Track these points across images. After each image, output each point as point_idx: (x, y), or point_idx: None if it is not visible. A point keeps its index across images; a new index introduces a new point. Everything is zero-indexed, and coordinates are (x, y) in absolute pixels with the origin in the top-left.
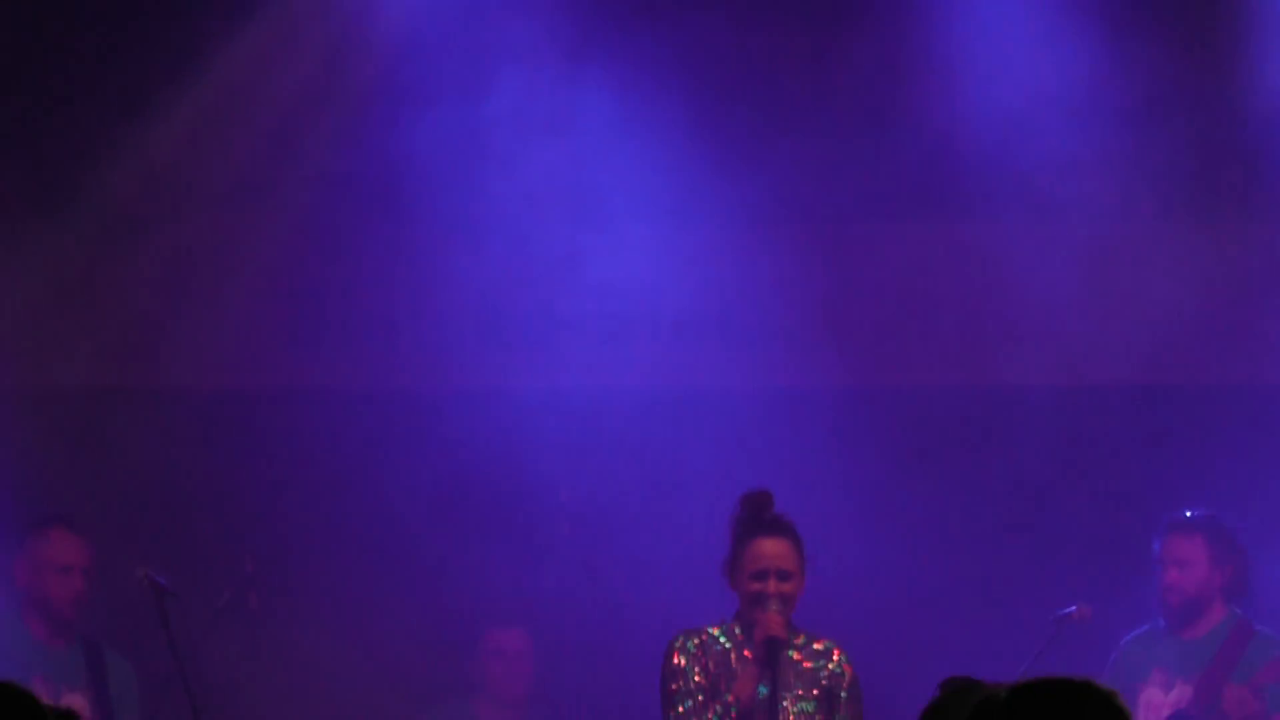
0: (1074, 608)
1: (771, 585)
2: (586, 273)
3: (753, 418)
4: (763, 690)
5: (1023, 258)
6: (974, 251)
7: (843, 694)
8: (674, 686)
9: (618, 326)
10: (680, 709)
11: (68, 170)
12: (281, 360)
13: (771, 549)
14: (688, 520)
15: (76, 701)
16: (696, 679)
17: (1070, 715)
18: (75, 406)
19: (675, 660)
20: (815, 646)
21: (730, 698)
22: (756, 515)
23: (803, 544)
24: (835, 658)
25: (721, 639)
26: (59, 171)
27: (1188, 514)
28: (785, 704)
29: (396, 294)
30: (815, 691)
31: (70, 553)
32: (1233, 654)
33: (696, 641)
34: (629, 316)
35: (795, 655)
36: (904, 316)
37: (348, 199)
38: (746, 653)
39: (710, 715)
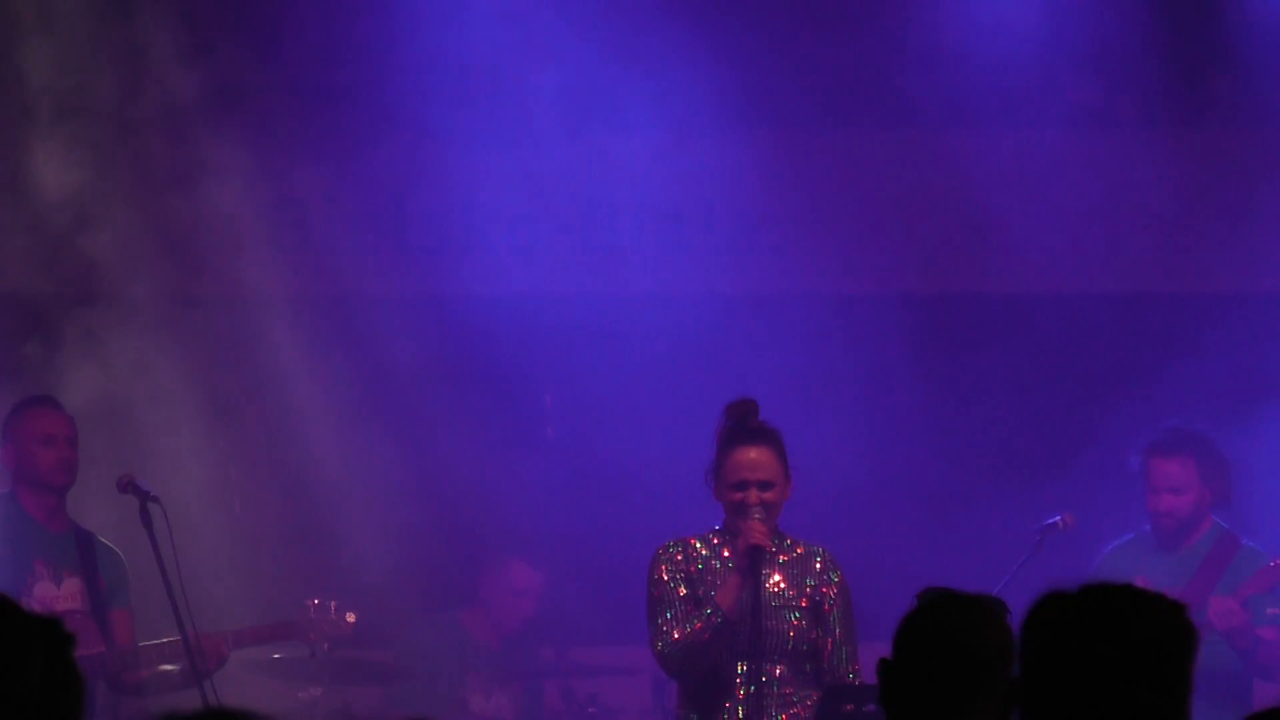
0: (1058, 517)
1: (753, 494)
2: (576, 178)
3: (741, 322)
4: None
5: (1004, 164)
6: (953, 158)
7: (831, 601)
8: (657, 595)
9: (608, 230)
10: (664, 619)
11: None
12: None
13: (752, 458)
14: (674, 429)
15: (76, 585)
16: (680, 590)
17: (1138, 620)
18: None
19: (659, 571)
20: (799, 551)
21: (712, 607)
22: (740, 424)
23: (785, 452)
24: (821, 563)
25: (704, 550)
26: None
27: (1174, 433)
28: (770, 611)
29: (383, 199)
30: (803, 601)
31: (53, 424)
32: (1219, 565)
33: (680, 552)
34: (617, 221)
35: (782, 558)
36: (887, 223)
37: (334, 106)
38: (729, 561)
39: (694, 625)
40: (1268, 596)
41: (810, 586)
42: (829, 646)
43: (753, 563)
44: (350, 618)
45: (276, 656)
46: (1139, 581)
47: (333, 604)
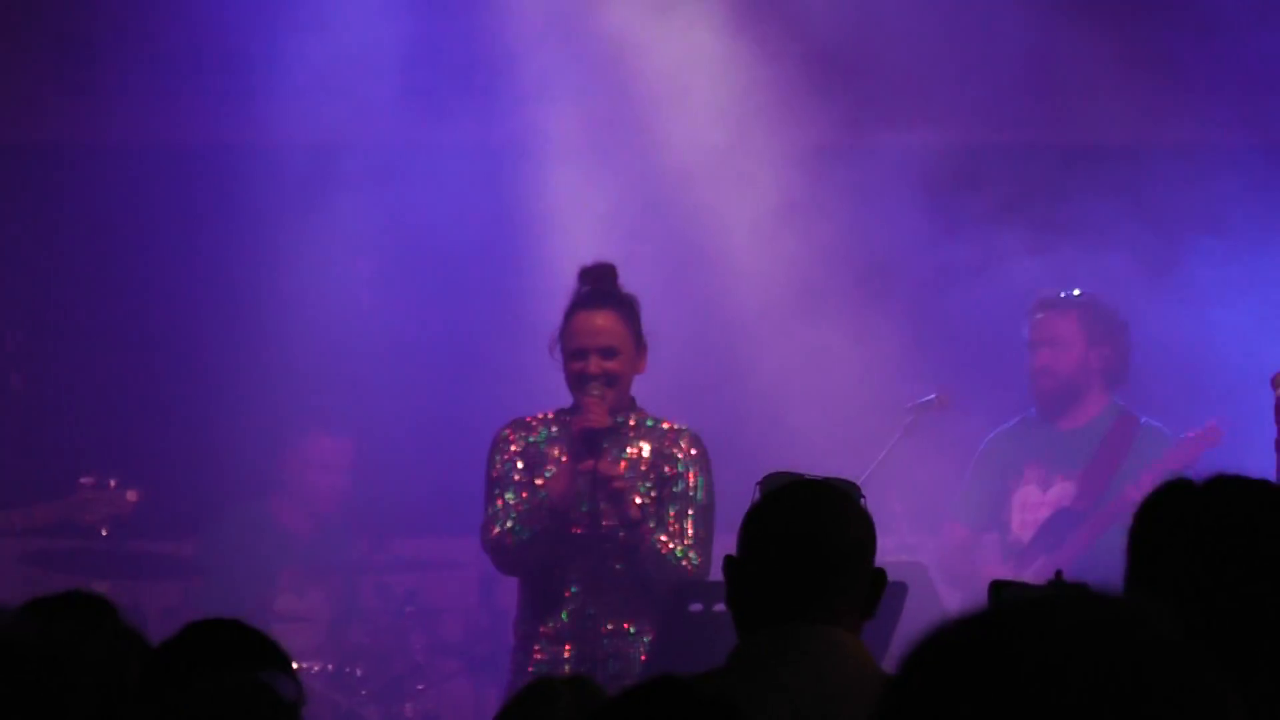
0: (933, 395)
1: (594, 363)
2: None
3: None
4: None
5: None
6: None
7: (682, 481)
8: (490, 479)
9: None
10: (494, 507)
11: None
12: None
13: (596, 324)
14: (514, 293)
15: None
16: (516, 475)
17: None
18: None
19: (494, 453)
20: (658, 428)
21: (543, 494)
22: (592, 289)
23: (639, 320)
24: (680, 442)
25: (546, 430)
26: None
27: (1061, 293)
28: (607, 499)
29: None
30: (651, 483)
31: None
32: (1119, 446)
33: (519, 433)
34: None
35: (634, 438)
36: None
37: None
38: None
39: (524, 514)
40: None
41: (662, 468)
42: (671, 530)
43: (588, 445)
44: (131, 495)
45: (55, 547)
46: (1028, 467)
47: (111, 480)
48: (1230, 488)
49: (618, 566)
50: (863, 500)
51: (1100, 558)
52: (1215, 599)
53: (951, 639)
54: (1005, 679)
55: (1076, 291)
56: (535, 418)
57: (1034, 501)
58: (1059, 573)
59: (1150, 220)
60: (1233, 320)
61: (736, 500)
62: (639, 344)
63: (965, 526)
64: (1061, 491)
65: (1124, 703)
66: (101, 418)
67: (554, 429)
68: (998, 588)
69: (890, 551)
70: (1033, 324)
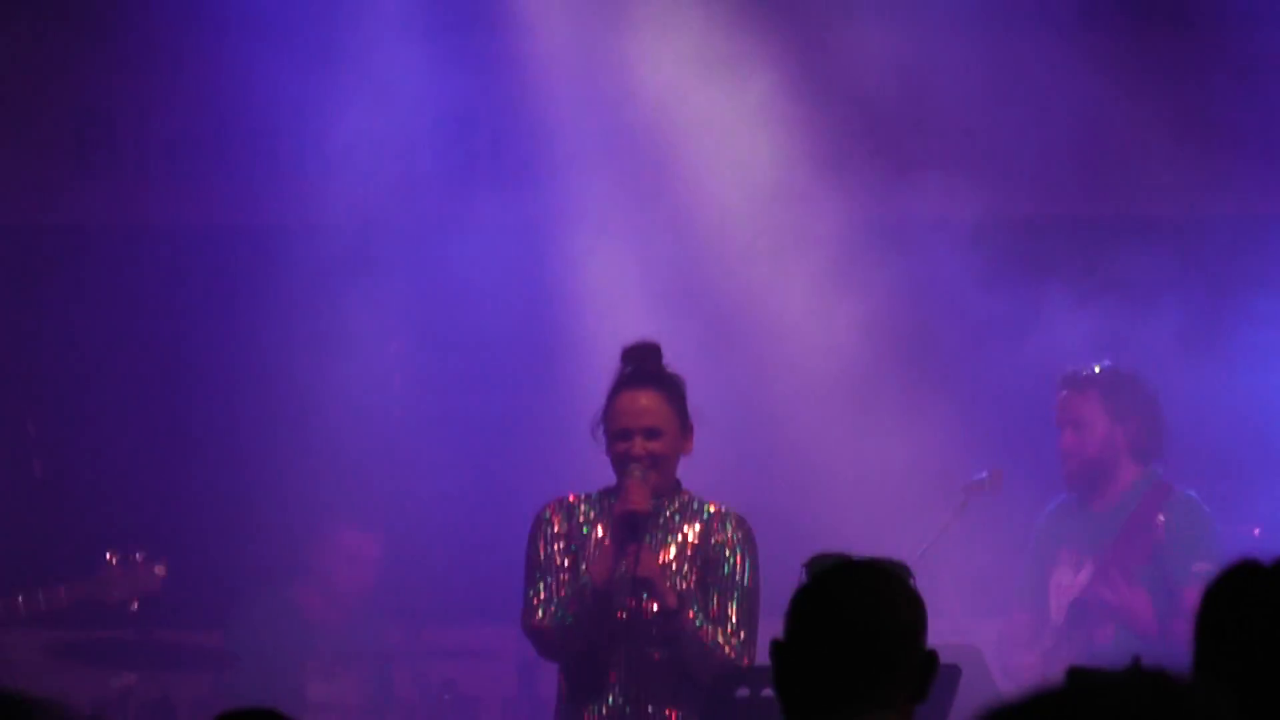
0: (985, 473)
1: (637, 444)
2: None
3: None
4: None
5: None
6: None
7: (727, 566)
8: (531, 563)
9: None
10: (535, 591)
11: None
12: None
13: (637, 403)
14: (552, 376)
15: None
16: (557, 558)
17: None
18: None
19: (535, 535)
20: (705, 512)
21: (585, 579)
22: (635, 370)
23: (684, 400)
24: (725, 527)
25: (589, 511)
26: None
27: (1084, 367)
28: (654, 584)
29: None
30: (695, 568)
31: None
32: (1148, 518)
33: (560, 514)
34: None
35: (680, 522)
36: None
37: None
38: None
39: (566, 599)
40: (1183, 553)
41: (706, 553)
42: (714, 616)
43: (630, 528)
44: (160, 570)
45: (83, 638)
46: (1063, 551)
47: (138, 555)
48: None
49: (660, 654)
50: (913, 581)
51: (1131, 644)
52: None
53: (1009, 716)
54: None
55: (1098, 368)
56: (578, 497)
57: (1066, 584)
58: (1137, 658)
59: (1201, 281)
60: None
61: (783, 583)
62: (684, 425)
63: (1027, 613)
64: (1089, 574)
65: None
66: (128, 505)
67: (597, 510)
68: (1074, 674)
69: (943, 634)
70: (1057, 404)
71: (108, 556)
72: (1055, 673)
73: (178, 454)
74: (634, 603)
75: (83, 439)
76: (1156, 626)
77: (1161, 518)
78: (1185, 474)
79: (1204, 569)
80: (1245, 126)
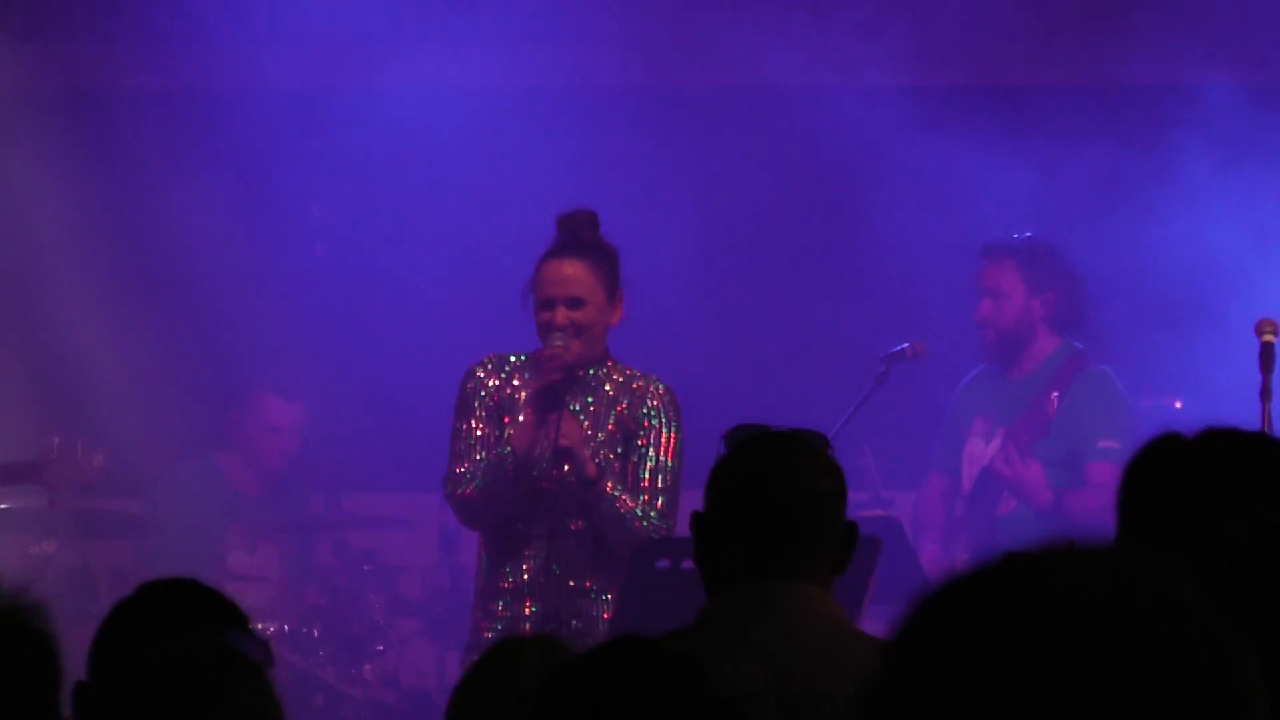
0: (906, 344)
1: (560, 314)
2: None
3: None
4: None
5: None
6: None
7: (647, 435)
8: (457, 423)
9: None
10: (459, 453)
11: None
12: None
13: (562, 271)
14: (468, 239)
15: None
16: (483, 419)
17: (1260, 462)
18: None
19: (464, 391)
20: (629, 384)
21: (505, 448)
22: (569, 238)
23: (616, 270)
24: (650, 397)
25: (524, 372)
26: None
27: (1002, 240)
28: (575, 453)
29: None
30: (617, 439)
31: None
32: (1059, 391)
33: (494, 370)
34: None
35: (606, 390)
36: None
37: None
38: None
39: (488, 465)
40: (1093, 426)
41: (628, 420)
42: (633, 487)
43: (549, 398)
44: (99, 460)
45: (2, 506)
46: (977, 420)
47: (79, 443)
48: (1222, 440)
49: (580, 524)
50: (832, 452)
51: (1029, 518)
52: (1217, 553)
53: (945, 599)
54: (999, 639)
55: (1017, 237)
56: (511, 358)
57: (978, 454)
58: (1072, 541)
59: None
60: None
61: (704, 456)
62: (612, 294)
63: (942, 480)
64: (1000, 448)
65: (1128, 659)
66: (50, 372)
67: (527, 373)
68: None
69: (863, 505)
70: (978, 274)
71: (54, 442)
72: (958, 540)
73: (99, 320)
74: (555, 472)
75: (15, 313)
76: (1051, 500)
77: (1055, 394)
78: (1123, 325)
79: (1111, 446)
80: None
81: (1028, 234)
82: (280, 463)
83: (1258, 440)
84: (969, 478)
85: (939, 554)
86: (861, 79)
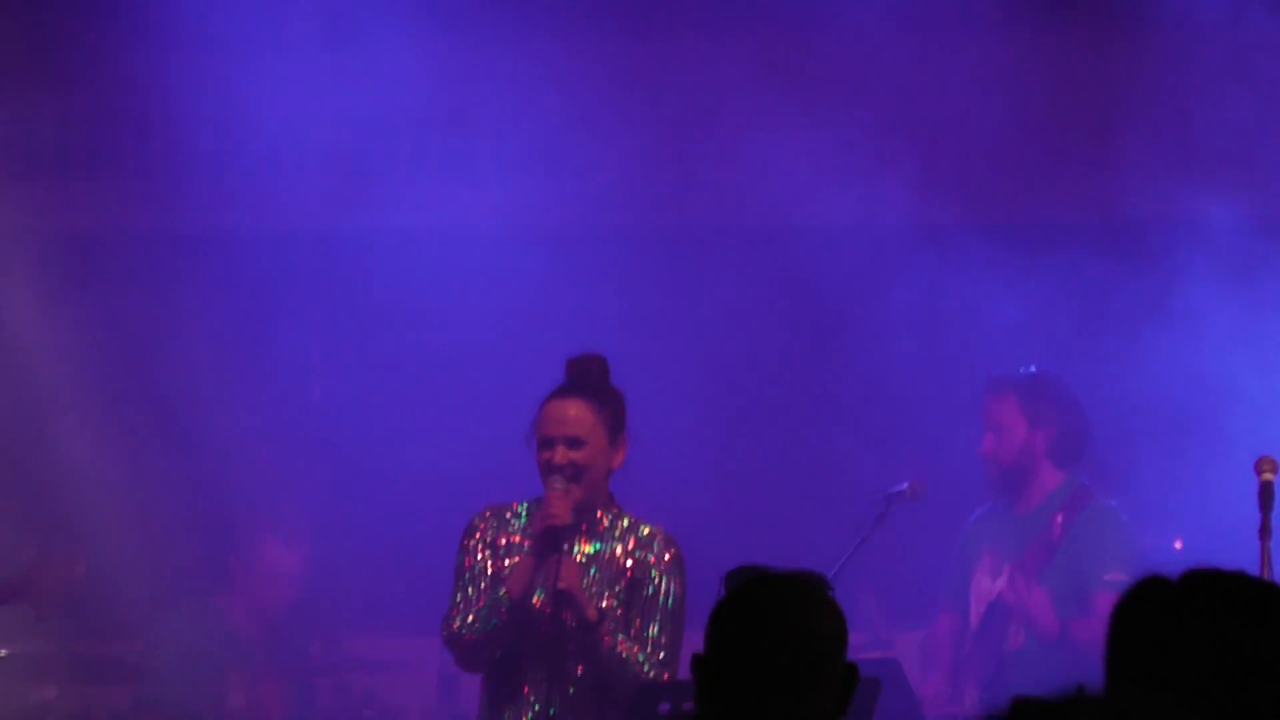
0: (906, 483)
1: (559, 453)
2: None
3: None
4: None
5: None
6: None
7: (652, 583)
8: (458, 569)
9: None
10: (458, 598)
11: None
12: None
13: (563, 411)
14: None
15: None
16: (483, 565)
17: (1245, 610)
18: None
19: (465, 541)
20: (639, 528)
21: (502, 590)
22: (571, 380)
23: (620, 413)
24: (651, 542)
25: (524, 517)
26: None
27: (1004, 374)
28: (574, 597)
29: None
30: (619, 585)
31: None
32: (1063, 527)
33: (494, 520)
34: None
35: (608, 536)
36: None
37: None
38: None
39: (486, 609)
40: (1100, 560)
41: (629, 567)
42: (636, 635)
43: (550, 540)
44: (79, 569)
45: (3, 652)
46: (985, 555)
47: (57, 552)
48: (1205, 583)
49: (580, 668)
50: (832, 593)
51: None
52: (1200, 701)
53: None
54: None
55: (1023, 371)
56: (511, 507)
57: (985, 590)
58: (1081, 686)
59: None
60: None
61: (704, 597)
62: (614, 437)
63: (952, 614)
64: (1006, 579)
65: None
66: (45, 510)
67: (528, 518)
68: (1017, 703)
69: (863, 647)
70: (982, 408)
71: (32, 553)
72: (966, 676)
73: (96, 452)
74: (554, 615)
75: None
76: (1057, 629)
77: (1060, 519)
78: (1127, 453)
79: (1117, 579)
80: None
81: (1031, 367)
82: (281, 608)
83: (1237, 583)
84: (976, 614)
85: (947, 690)
86: (858, 212)
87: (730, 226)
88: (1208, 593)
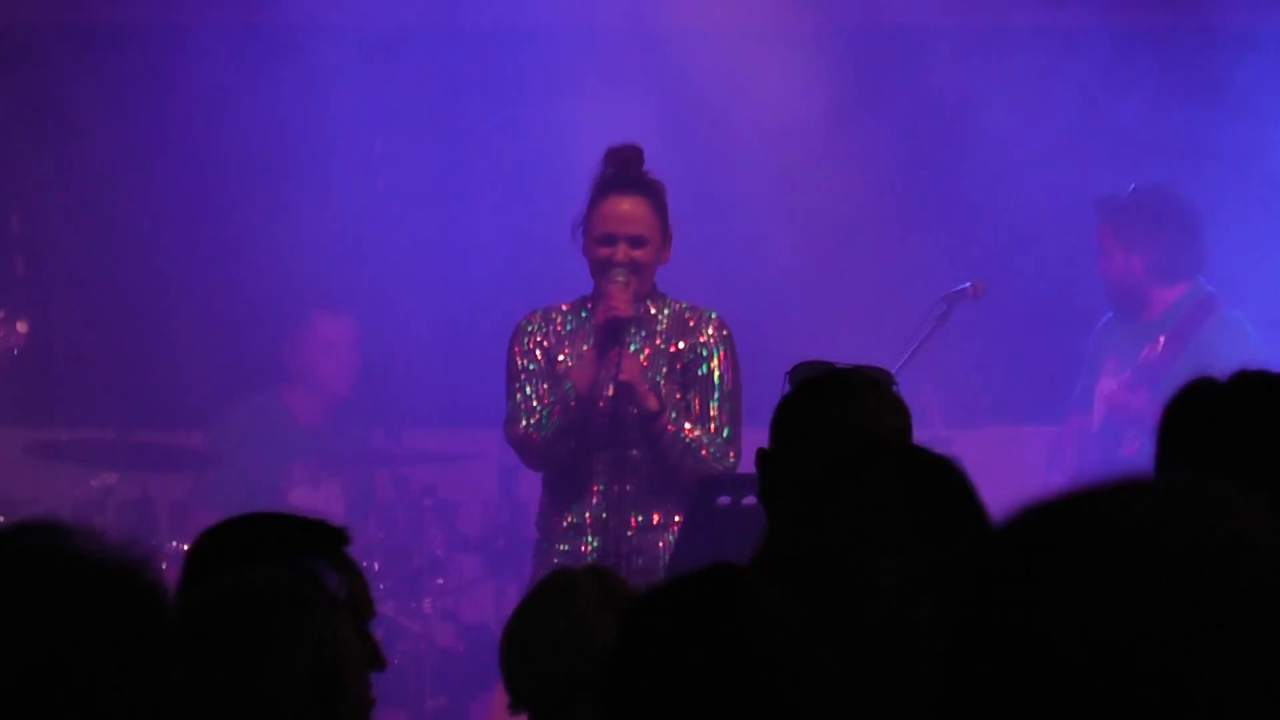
0: (968, 283)
1: (621, 250)
2: None
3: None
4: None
5: None
6: None
7: (707, 365)
8: (512, 372)
9: None
10: (518, 399)
11: None
12: None
13: (624, 209)
14: (530, 175)
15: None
16: (538, 366)
17: None
18: None
19: (516, 344)
20: (683, 316)
21: (567, 385)
22: (618, 172)
23: (666, 208)
24: (705, 327)
25: (570, 318)
26: None
27: (1103, 198)
28: (635, 388)
29: None
30: (675, 370)
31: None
32: (1185, 334)
33: (541, 322)
34: None
35: (659, 325)
36: None
37: None
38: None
39: (549, 405)
40: (1214, 369)
41: (682, 349)
42: (697, 417)
43: (611, 334)
44: (21, 327)
45: (63, 438)
46: (1110, 360)
47: None
48: (1254, 380)
49: (642, 455)
50: (898, 389)
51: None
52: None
53: (1053, 508)
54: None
55: (1123, 190)
56: (556, 308)
57: (1108, 392)
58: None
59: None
60: None
61: (763, 394)
62: (665, 233)
63: (1081, 415)
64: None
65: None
66: (102, 304)
67: (576, 318)
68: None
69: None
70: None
71: None
72: (1085, 476)
73: (154, 250)
74: (616, 407)
75: (62, 234)
76: None
77: (1181, 328)
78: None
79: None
80: None
81: (1131, 187)
82: (342, 383)
83: None
84: (1099, 416)
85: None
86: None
87: (820, 22)
88: (1257, 388)
